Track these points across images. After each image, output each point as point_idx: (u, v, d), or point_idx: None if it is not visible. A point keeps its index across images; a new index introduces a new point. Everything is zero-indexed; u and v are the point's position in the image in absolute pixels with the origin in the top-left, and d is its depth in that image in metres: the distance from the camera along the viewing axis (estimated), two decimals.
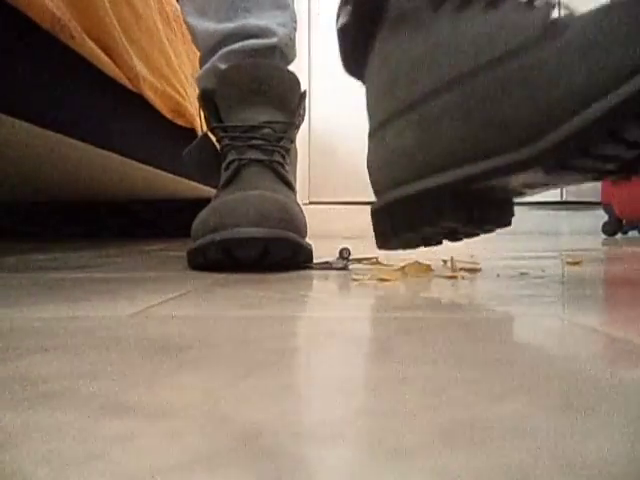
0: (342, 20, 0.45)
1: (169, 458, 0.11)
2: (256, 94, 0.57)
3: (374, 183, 0.45)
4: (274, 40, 0.60)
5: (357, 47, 0.46)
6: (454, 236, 0.44)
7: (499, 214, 0.42)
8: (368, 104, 0.46)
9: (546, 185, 0.41)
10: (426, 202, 0.40)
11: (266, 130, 0.56)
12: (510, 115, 0.35)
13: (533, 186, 0.41)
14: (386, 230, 0.44)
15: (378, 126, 0.43)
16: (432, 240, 0.45)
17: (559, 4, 0.38)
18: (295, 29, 0.64)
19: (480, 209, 0.40)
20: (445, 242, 0.46)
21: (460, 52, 0.38)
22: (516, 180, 0.38)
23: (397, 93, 0.41)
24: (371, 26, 0.44)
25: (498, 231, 0.44)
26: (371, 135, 0.45)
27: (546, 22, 0.35)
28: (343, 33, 0.46)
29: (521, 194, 0.43)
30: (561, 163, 0.34)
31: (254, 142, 0.56)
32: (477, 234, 0.45)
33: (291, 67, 0.63)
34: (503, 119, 0.35)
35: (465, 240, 0.46)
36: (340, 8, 0.46)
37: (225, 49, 0.60)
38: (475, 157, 0.37)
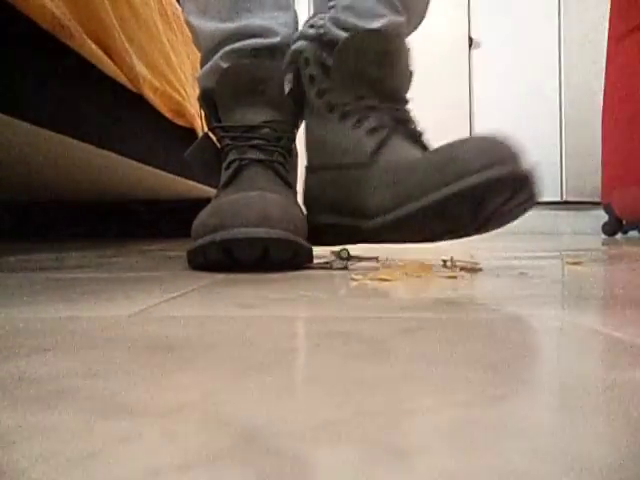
0: (287, 86, 0.61)
1: (169, 458, 0.11)
2: (256, 94, 0.57)
3: (306, 207, 0.61)
4: (276, 40, 0.60)
5: (296, 107, 0.61)
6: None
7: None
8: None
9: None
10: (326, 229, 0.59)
11: (266, 130, 0.56)
12: (340, 202, 0.57)
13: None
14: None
15: (314, 168, 0.60)
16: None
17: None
18: (296, 29, 0.64)
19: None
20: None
21: (332, 151, 0.57)
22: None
23: (314, 154, 0.61)
24: (300, 100, 0.61)
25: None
26: (310, 171, 0.61)
27: (373, 150, 0.53)
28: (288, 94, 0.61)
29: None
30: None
31: (254, 142, 0.56)
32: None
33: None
34: (338, 203, 0.57)
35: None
36: (284, 73, 0.61)
37: (227, 48, 0.60)
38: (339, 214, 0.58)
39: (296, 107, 0.61)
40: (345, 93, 0.56)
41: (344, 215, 0.56)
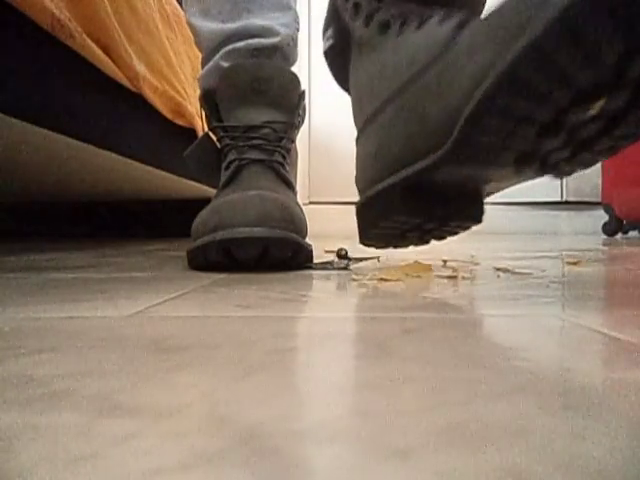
0: (326, 44, 0.52)
1: (169, 458, 0.11)
2: (256, 94, 0.57)
3: (356, 182, 0.50)
4: (276, 40, 0.60)
5: (339, 68, 0.52)
6: (423, 233, 0.48)
7: (462, 210, 0.45)
8: (353, 115, 0.51)
9: (485, 181, 0.43)
10: (380, 200, 0.45)
11: (266, 130, 0.56)
12: (428, 122, 0.40)
13: (473, 179, 0.43)
14: (360, 225, 0.49)
15: (358, 134, 0.49)
16: (404, 238, 0.49)
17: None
18: (297, 30, 0.64)
19: (441, 206, 0.44)
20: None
21: (395, 70, 0.44)
22: (451, 174, 0.41)
23: (364, 106, 0.48)
24: (346, 50, 0.50)
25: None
26: (356, 141, 0.50)
27: (448, 35, 0.40)
28: (327, 56, 0.53)
29: (476, 191, 0.45)
30: (468, 153, 0.38)
31: (254, 142, 0.56)
32: (447, 232, 0.48)
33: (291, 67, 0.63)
34: (423, 127, 0.41)
35: (447, 239, 0.49)
36: (323, 33, 0.52)
37: (227, 48, 0.60)
38: (414, 160, 0.42)
39: (342, 60, 0.51)
40: (400, 3, 0.46)
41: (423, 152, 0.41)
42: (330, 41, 0.52)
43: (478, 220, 0.46)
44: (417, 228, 0.46)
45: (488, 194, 0.46)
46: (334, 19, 0.51)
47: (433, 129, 0.39)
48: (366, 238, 0.50)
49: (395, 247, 0.51)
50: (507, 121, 0.34)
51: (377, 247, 0.51)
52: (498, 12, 0.35)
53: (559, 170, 0.39)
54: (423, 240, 0.50)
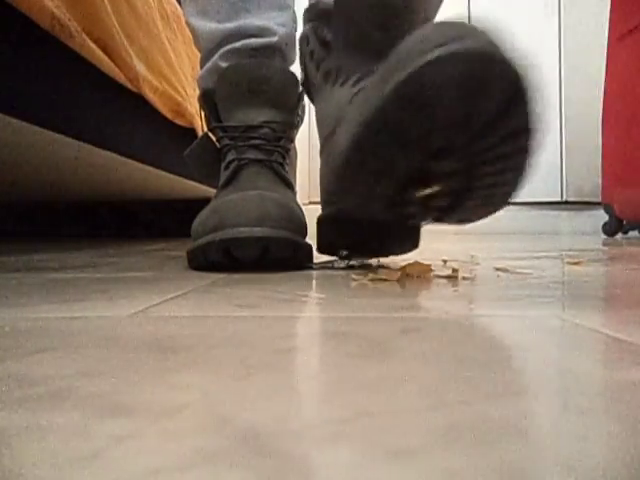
0: (300, 78, 0.60)
1: (169, 458, 0.11)
2: (255, 94, 0.57)
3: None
4: (274, 39, 0.60)
5: (311, 99, 0.60)
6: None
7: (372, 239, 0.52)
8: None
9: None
10: (324, 223, 0.54)
11: (265, 130, 0.56)
12: (329, 175, 0.47)
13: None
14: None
15: (320, 151, 0.55)
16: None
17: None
18: (295, 29, 0.64)
19: (358, 235, 0.52)
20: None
21: (325, 121, 0.51)
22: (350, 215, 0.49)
23: (319, 134, 0.55)
24: (310, 86, 0.58)
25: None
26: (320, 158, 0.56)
27: (348, 99, 0.46)
28: (303, 86, 0.60)
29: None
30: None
31: (253, 142, 0.56)
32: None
33: (291, 67, 0.63)
34: (327, 180, 0.49)
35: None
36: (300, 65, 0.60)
37: (225, 48, 0.60)
38: (329, 202, 0.52)
39: (310, 97, 0.58)
40: (342, 58, 0.50)
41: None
42: (302, 75, 0.60)
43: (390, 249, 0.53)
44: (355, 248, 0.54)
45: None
46: (300, 60, 0.59)
47: (330, 183, 0.48)
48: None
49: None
50: (364, 184, 0.41)
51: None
52: (363, 92, 0.41)
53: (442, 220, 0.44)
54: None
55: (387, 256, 0.55)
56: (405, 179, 0.38)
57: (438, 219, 0.43)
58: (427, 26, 0.37)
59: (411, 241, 0.53)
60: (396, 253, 0.54)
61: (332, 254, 0.56)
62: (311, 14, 0.58)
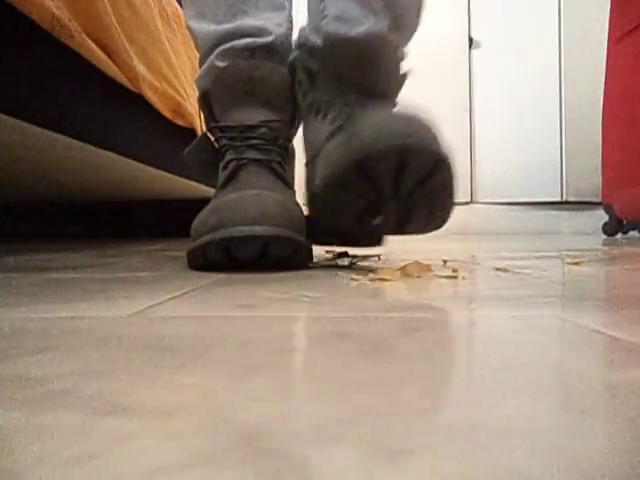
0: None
1: (169, 458, 0.11)
2: (250, 95, 0.57)
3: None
4: (269, 39, 0.60)
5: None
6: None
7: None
8: None
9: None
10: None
11: (263, 129, 0.56)
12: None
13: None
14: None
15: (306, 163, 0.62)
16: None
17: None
18: (291, 29, 0.64)
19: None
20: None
21: (308, 147, 0.59)
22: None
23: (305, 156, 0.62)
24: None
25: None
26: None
27: (327, 136, 0.54)
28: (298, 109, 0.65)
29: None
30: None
31: (251, 142, 0.56)
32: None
33: None
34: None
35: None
36: None
37: (221, 47, 0.60)
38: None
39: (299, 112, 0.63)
40: (325, 93, 0.58)
41: None
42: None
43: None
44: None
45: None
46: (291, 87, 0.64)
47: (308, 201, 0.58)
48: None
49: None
50: (332, 210, 0.53)
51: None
52: (335, 140, 0.52)
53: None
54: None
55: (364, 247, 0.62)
56: (362, 212, 0.52)
57: (393, 233, 0.56)
58: (384, 116, 0.50)
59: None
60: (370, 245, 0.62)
61: (325, 243, 0.62)
62: (301, 45, 0.61)
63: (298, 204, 0.56)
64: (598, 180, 1.82)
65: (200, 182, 1.19)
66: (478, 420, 0.13)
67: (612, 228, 1.81)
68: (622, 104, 1.62)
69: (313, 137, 0.58)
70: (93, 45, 0.68)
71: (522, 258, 0.69)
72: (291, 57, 0.62)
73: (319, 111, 0.58)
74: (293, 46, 0.63)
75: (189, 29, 0.65)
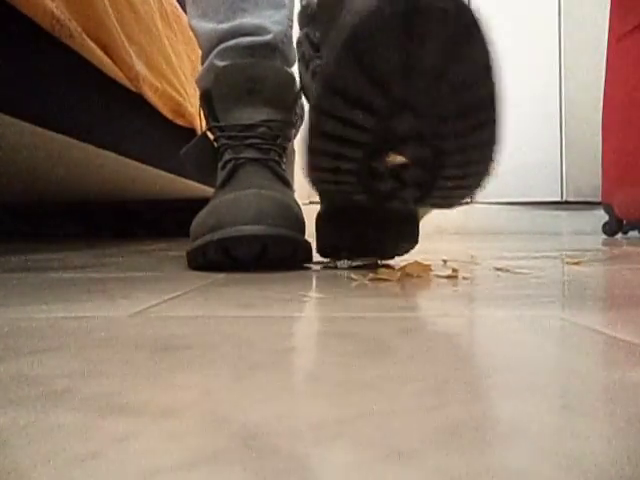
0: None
1: (169, 458, 0.11)
2: (252, 94, 0.57)
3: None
4: (268, 37, 0.60)
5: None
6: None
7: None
8: None
9: None
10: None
11: (262, 129, 0.56)
12: None
13: None
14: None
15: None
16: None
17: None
18: (291, 27, 0.64)
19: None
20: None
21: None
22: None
23: None
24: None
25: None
26: None
27: None
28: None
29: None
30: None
31: (250, 141, 0.56)
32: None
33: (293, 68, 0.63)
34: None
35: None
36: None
37: (221, 46, 0.60)
38: None
39: (307, 99, 0.60)
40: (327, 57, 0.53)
41: None
42: (299, 77, 0.59)
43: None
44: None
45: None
46: (298, 64, 0.60)
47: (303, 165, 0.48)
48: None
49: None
50: (330, 154, 0.39)
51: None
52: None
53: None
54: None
55: (390, 257, 0.55)
56: (368, 144, 0.38)
57: (419, 200, 0.43)
58: None
59: (411, 237, 0.53)
60: (398, 252, 0.54)
61: (334, 257, 0.56)
62: (302, 19, 0.59)
63: (297, 203, 0.56)
64: (598, 180, 1.82)
65: (195, 180, 1.19)
66: (478, 420, 0.13)
67: (612, 228, 1.81)
68: (622, 104, 1.62)
69: None
70: (93, 45, 0.68)
71: (522, 258, 0.69)
72: (298, 36, 0.60)
73: None
74: (294, 43, 0.62)
75: (192, 29, 0.66)
